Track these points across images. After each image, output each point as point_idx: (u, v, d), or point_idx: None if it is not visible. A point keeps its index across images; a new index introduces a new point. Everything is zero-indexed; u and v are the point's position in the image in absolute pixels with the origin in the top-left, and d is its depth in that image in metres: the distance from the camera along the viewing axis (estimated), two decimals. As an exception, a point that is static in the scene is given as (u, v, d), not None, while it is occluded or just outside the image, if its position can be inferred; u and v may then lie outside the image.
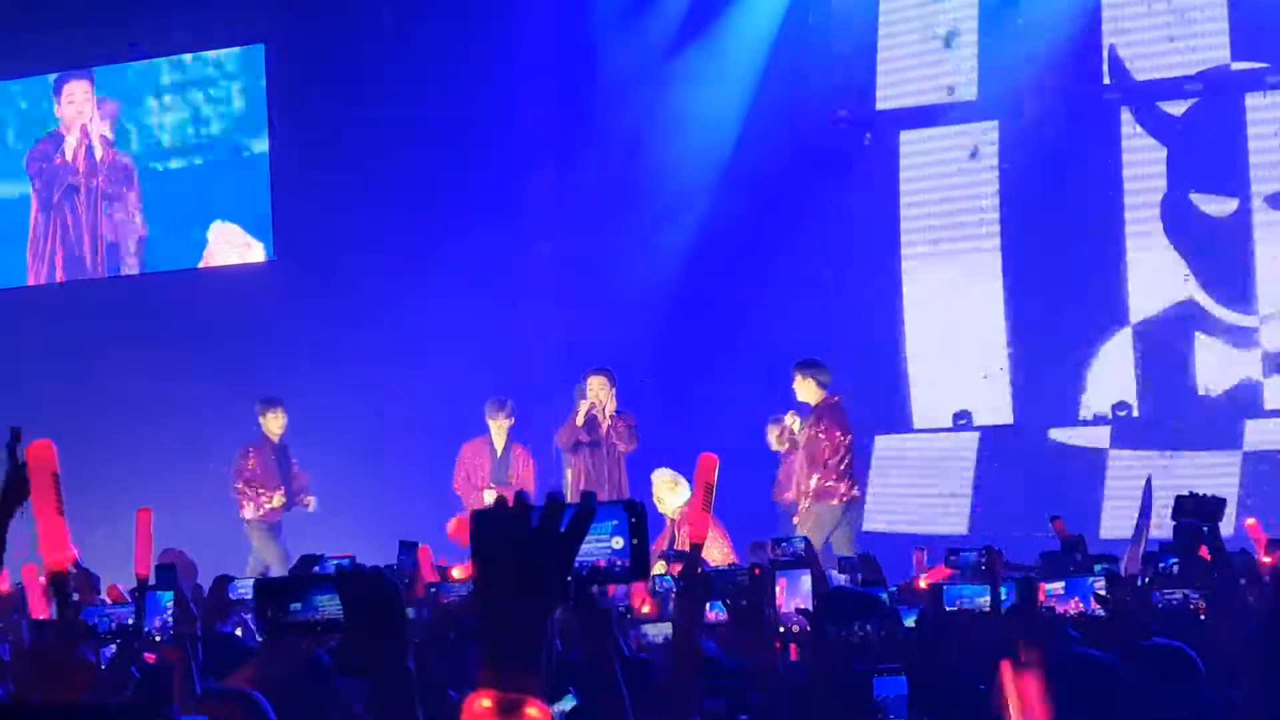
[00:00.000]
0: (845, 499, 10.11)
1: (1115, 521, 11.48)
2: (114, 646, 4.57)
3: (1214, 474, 11.24)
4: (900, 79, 12.93)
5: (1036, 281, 12.32)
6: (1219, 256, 11.80)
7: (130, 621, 4.72)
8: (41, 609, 5.55)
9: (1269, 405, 11.64)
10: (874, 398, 12.84)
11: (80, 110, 14.98)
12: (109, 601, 5.74)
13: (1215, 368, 11.76)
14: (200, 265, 14.57)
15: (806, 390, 10.26)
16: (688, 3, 13.28)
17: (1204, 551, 5.21)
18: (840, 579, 6.55)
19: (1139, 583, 5.28)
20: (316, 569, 5.46)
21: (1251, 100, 11.70)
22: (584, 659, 3.31)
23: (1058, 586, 4.13)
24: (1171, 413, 11.84)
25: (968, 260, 12.62)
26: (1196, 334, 11.81)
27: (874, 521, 12.38)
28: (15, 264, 15.13)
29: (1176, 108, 11.94)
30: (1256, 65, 11.67)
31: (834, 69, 13.06)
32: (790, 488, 10.54)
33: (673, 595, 6.26)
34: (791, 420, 10.50)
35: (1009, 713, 3.12)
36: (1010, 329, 12.40)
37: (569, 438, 11.00)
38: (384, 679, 2.17)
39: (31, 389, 13.28)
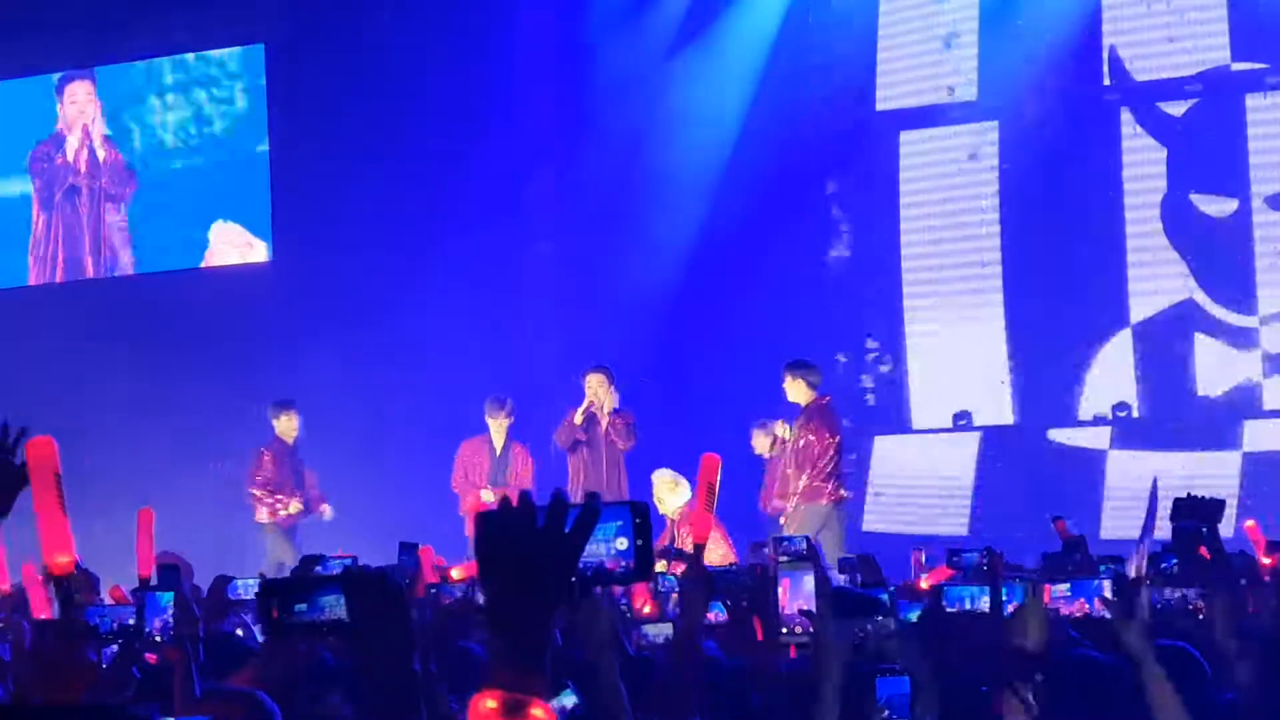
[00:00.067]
0: (833, 499, 10.11)
1: (1115, 522, 11.49)
2: (115, 647, 4.58)
3: (1214, 475, 11.25)
4: (900, 79, 12.93)
5: (1036, 282, 12.32)
6: (1219, 256, 11.80)
7: (131, 622, 4.72)
8: (43, 609, 5.55)
9: (1269, 406, 11.65)
10: (874, 398, 12.86)
11: (82, 110, 14.98)
12: (111, 601, 5.73)
13: (1215, 368, 11.76)
14: (202, 265, 14.58)
15: (796, 391, 10.26)
16: (688, 3, 13.29)
17: (1203, 551, 5.21)
18: (840, 579, 6.55)
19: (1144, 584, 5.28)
20: (319, 569, 5.46)
21: (1252, 101, 11.70)
22: (585, 659, 3.32)
23: (1063, 588, 4.13)
24: (1171, 413, 11.85)
25: (968, 260, 12.62)
26: (1196, 334, 11.81)
27: (874, 522, 12.39)
28: (16, 264, 15.14)
29: (1176, 108, 11.95)
30: (1257, 66, 11.67)
31: (834, 69, 13.06)
32: (776, 494, 10.51)
33: (673, 595, 6.28)
34: (782, 430, 10.47)
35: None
36: (1010, 329, 12.40)
37: (567, 436, 11.00)
38: (389, 680, 2.17)
39: (32, 389, 13.27)
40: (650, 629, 5.11)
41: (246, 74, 14.50)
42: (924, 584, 6.35)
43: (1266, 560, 6.04)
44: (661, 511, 10.36)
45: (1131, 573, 5.42)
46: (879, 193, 12.94)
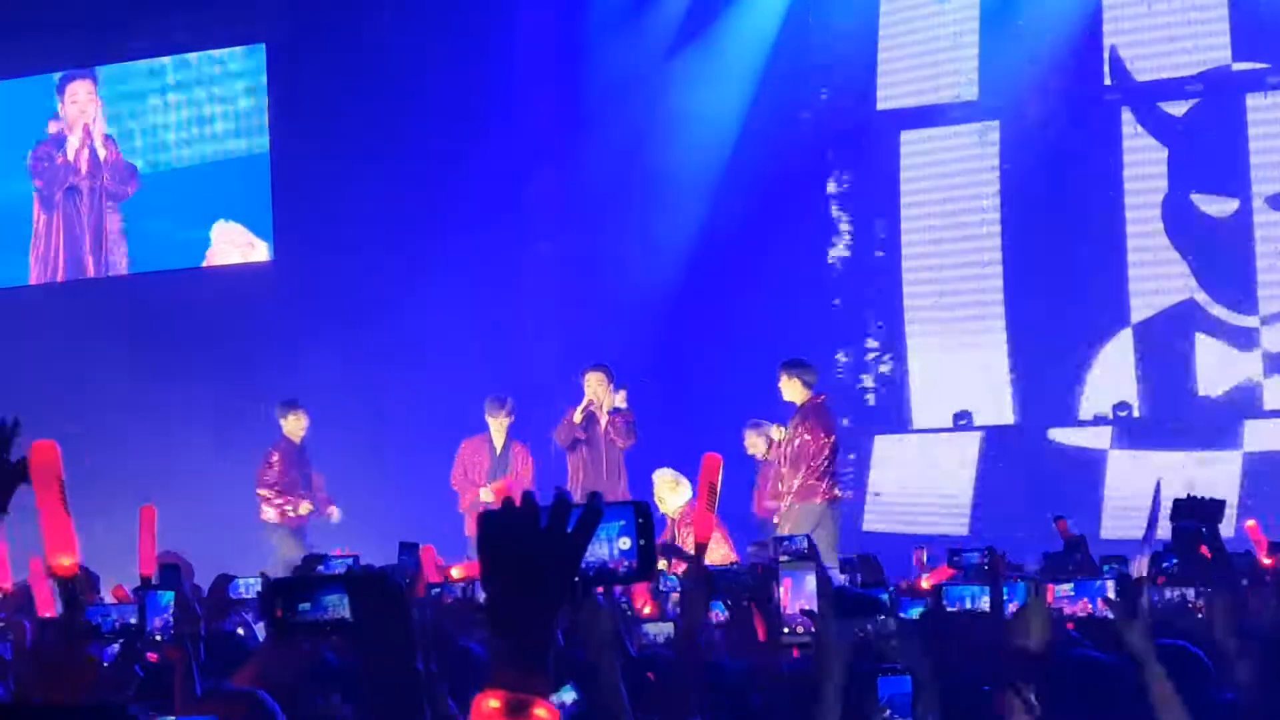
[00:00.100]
0: (827, 498, 10.11)
1: (1115, 522, 11.50)
2: (117, 646, 4.58)
3: (1214, 475, 11.25)
4: (901, 79, 12.93)
5: (1037, 282, 12.32)
6: (1219, 256, 11.80)
7: (133, 621, 4.72)
8: (48, 605, 5.55)
9: (1269, 406, 11.65)
10: (874, 398, 12.86)
11: (83, 110, 14.98)
12: (114, 601, 5.74)
13: (1215, 368, 11.76)
14: (203, 265, 14.59)
15: (792, 390, 10.25)
16: (687, 3, 13.29)
17: (1204, 550, 5.22)
18: (840, 579, 6.55)
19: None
20: (321, 568, 5.46)
21: (1252, 101, 11.71)
22: (586, 658, 3.32)
23: (1067, 588, 4.14)
24: (1171, 413, 11.85)
25: (968, 260, 12.62)
26: (1196, 334, 11.82)
27: (874, 522, 12.40)
28: (17, 264, 15.14)
29: (1177, 108, 11.95)
30: (1257, 66, 11.68)
31: (834, 69, 13.08)
32: (769, 496, 10.50)
33: (673, 595, 6.28)
34: (777, 434, 10.47)
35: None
36: (1010, 329, 12.40)
37: (567, 435, 11.00)
38: (392, 679, 2.17)
39: (32, 388, 13.28)
40: (651, 628, 5.12)
41: (247, 74, 14.50)
42: (925, 584, 6.35)
43: (1267, 561, 6.04)
44: (662, 511, 10.36)
45: (1135, 573, 5.44)
46: (879, 193, 12.94)
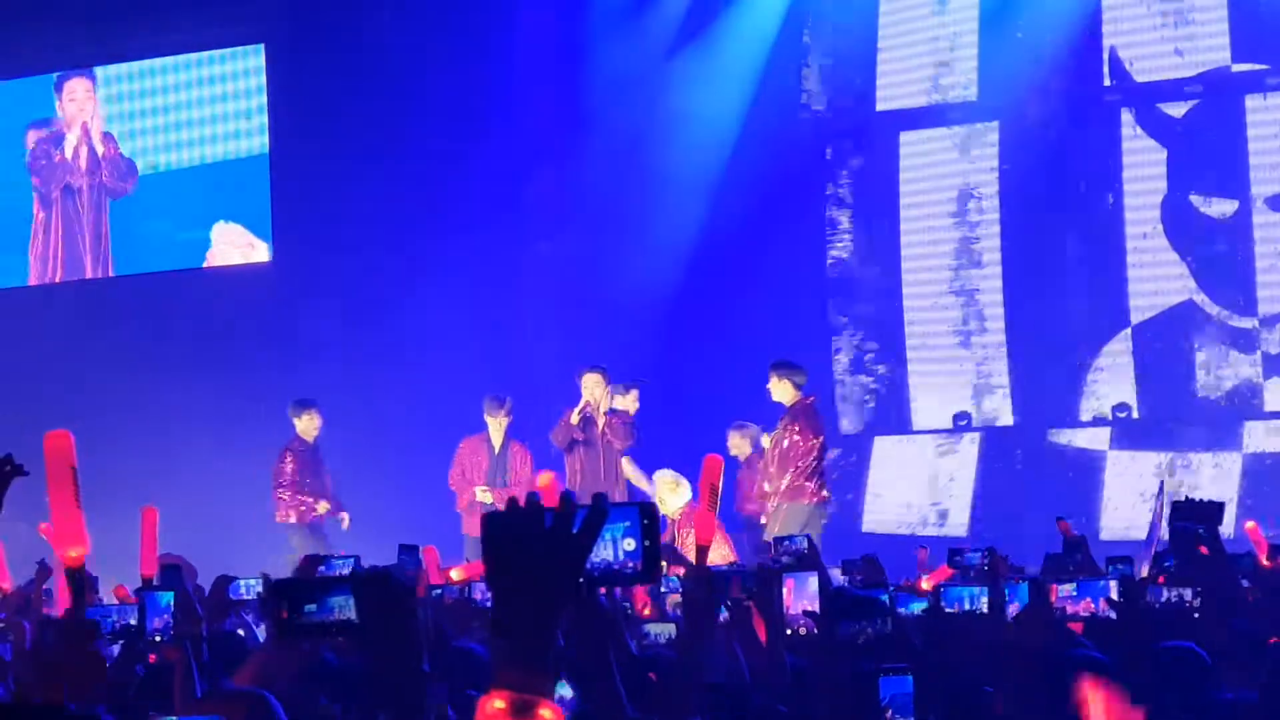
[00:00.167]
0: (815, 500, 10.11)
1: (1115, 522, 11.50)
2: (118, 646, 4.59)
3: (1213, 476, 11.25)
4: (900, 79, 12.93)
5: (1036, 282, 12.33)
6: (1219, 257, 11.81)
7: (132, 621, 4.73)
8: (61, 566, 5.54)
9: (1269, 407, 11.65)
10: (874, 398, 12.87)
11: (81, 108, 14.97)
12: (116, 601, 5.74)
13: (1215, 369, 11.77)
14: (204, 265, 14.60)
15: (782, 391, 10.26)
16: (687, 3, 13.29)
17: (1203, 549, 5.23)
18: (841, 580, 6.55)
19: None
20: (322, 569, 5.46)
21: (1251, 102, 11.71)
22: (584, 658, 3.32)
23: (1070, 588, 4.14)
24: (1171, 414, 11.85)
25: (968, 261, 12.63)
26: (1196, 335, 11.82)
27: (874, 522, 12.41)
28: (17, 263, 15.14)
29: (1177, 109, 11.95)
30: (1257, 67, 11.68)
31: (834, 69, 13.08)
32: (752, 497, 10.50)
33: (671, 596, 6.28)
34: (766, 441, 10.46)
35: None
36: (1010, 330, 12.40)
37: (564, 436, 11.01)
38: (398, 680, 2.17)
39: (32, 388, 13.29)
40: (653, 628, 5.12)
41: (246, 74, 14.50)
42: (925, 584, 6.35)
43: (1267, 563, 6.04)
44: (662, 512, 10.36)
45: (1138, 573, 5.45)
46: (878, 193, 12.95)
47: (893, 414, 12.84)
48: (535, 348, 12.61)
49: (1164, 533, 5.46)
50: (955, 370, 12.65)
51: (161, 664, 4.51)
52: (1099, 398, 12.12)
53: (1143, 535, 7.47)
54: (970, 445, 12.51)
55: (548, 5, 13.19)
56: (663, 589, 6.12)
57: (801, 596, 3.94)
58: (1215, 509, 5.30)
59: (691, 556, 7.55)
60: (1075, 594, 4.12)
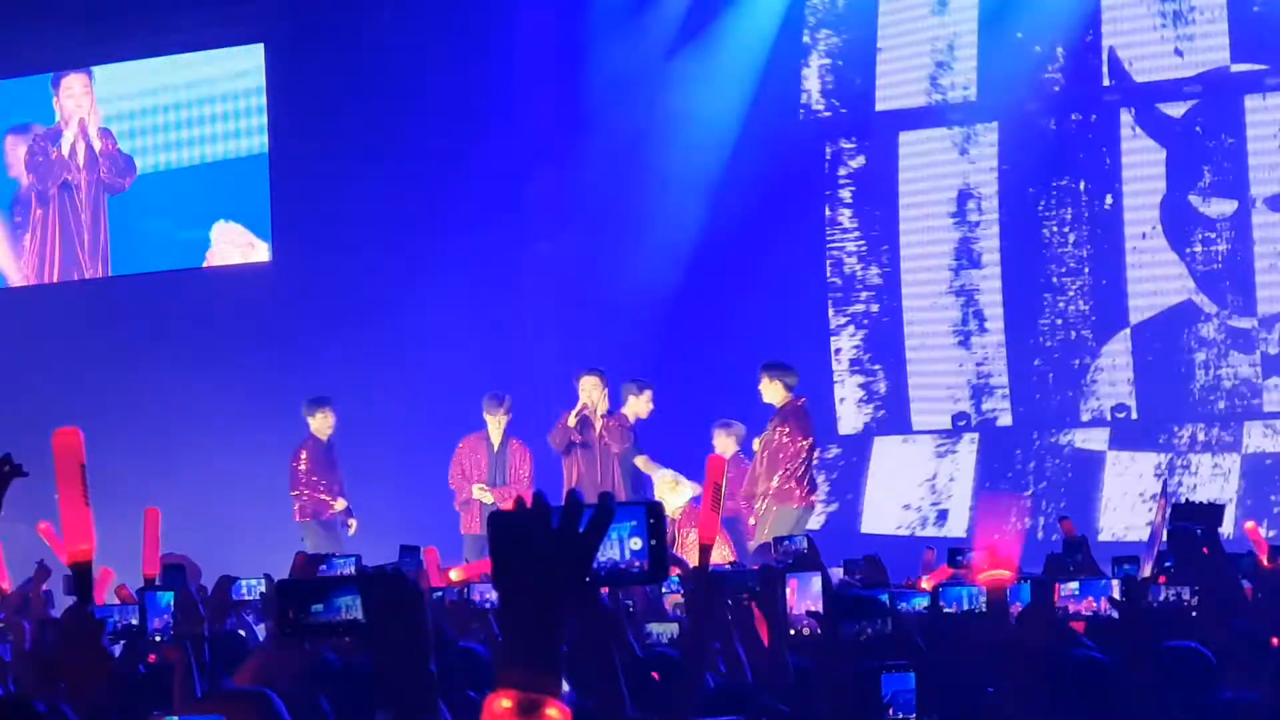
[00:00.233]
0: (804, 504, 10.11)
1: (1114, 523, 11.51)
2: (120, 645, 4.59)
3: (1213, 476, 11.26)
4: (900, 80, 12.93)
5: (1036, 282, 12.33)
6: (1219, 257, 11.81)
7: (134, 621, 4.73)
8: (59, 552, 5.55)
9: (1268, 407, 11.65)
10: (874, 398, 12.88)
11: (79, 104, 14.97)
12: (117, 601, 5.74)
13: (1215, 368, 11.77)
14: (204, 265, 14.60)
15: (772, 392, 10.27)
16: (687, 3, 13.30)
17: (1204, 549, 5.25)
18: (842, 580, 6.55)
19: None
20: (323, 568, 5.46)
21: (1251, 102, 11.71)
22: (587, 658, 3.32)
23: (1072, 587, 4.16)
24: (1171, 414, 11.86)
25: (967, 261, 12.63)
26: (1196, 334, 11.82)
27: (875, 523, 12.42)
28: (16, 263, 15.14)
29: (1176, 109, 11.95)
30: (1256, 67, 11.68)
31: (834, 70, 13.09)
32: (735, 495, 10.50)
33: (671, 597, 6.28)
34: (756, 444, 10.46)
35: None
36: (1010, 330, 12.41)
37: (561, 439, 11.01)
38: (406, 681, 2.17)
39: (31, 388, 13.29)
40: (656, 627, 5.13)
41: (246, 74, 14.49)
42: (925, 584, 6.35)
43: (1267, 564, 6.05)
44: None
45: (1142, 572, 5.47)
46: (878, 193, 12.95)
47: (892, 414, 12.85)
48: (535, 348, 12.61)
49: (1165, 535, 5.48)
50: (955, 370, 12.65)
51: (162, 664, 4.51)
52: (1099, 398, 12.12)
53: (1140, 536, 7.49)
54: (970, 445, 12.52)
55: (548, 5, 13.19)
56: (663, 590, 6.12)
57: (805, 597, 3.95)
58: (1215, 510, 5.32)
59: (691, 556, 7.57)
60: (1078, 593, 4.13)
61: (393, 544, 7.17)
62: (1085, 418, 12.19)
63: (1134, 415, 12.00)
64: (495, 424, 11.23)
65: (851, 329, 13.06)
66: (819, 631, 3.86)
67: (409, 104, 13.24)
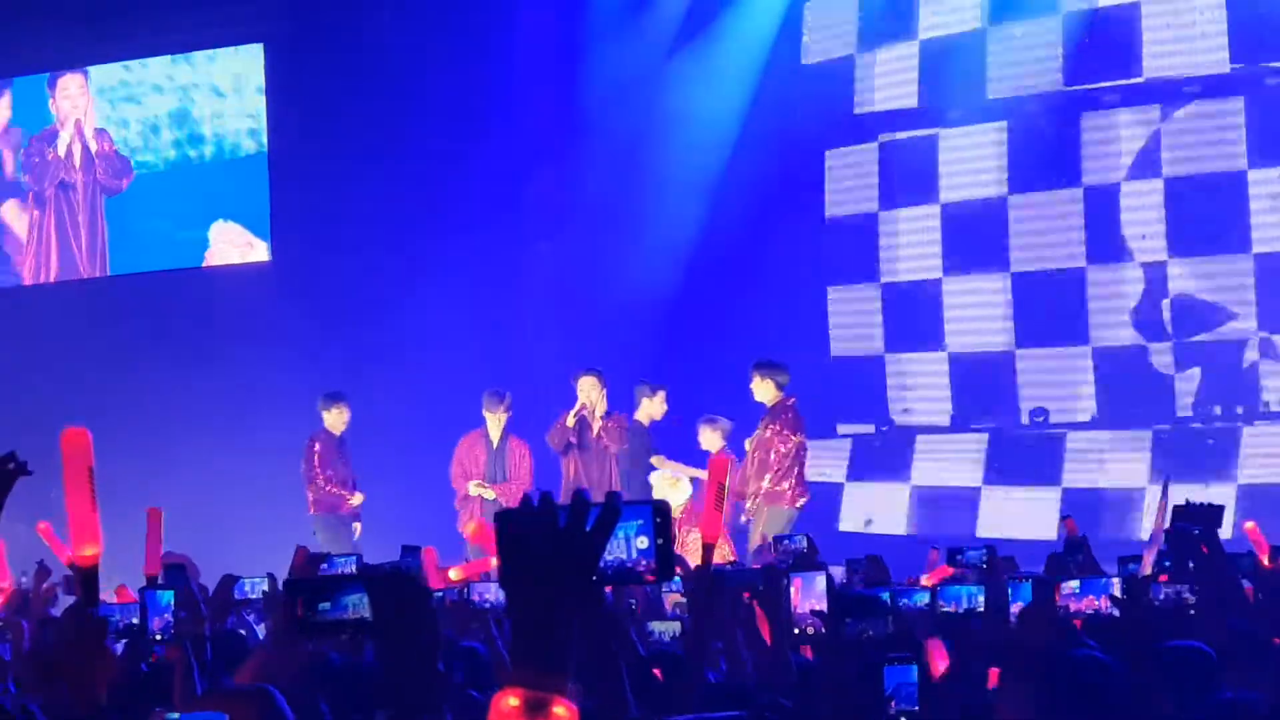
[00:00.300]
0: (794, 504, 10.12)
1: (1114, 522, 11.52)
2: (121, 645, 4.59)
3: (1213, 476, 11.26)
4: (900, 79, 12.94)
5: (1037, 282, 12.34)
6: (1219, 258, 11.81)
7: (135, 621, 4.73)
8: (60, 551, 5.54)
9: (1268, 409, 11.66)
10: (873, 399, 12.89)
11: (75, 104, 14.97)
12: (118, 601, 5.74)
13: (1214, 370, 11.78)
14: (203, 265, 14.60)
15: (764, 390, 10.28)
16: (687, 3, 13.31)
17: (1204, 548, 5.26)
18: (842, 579, 6.56)
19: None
20: (324, 567, 5.46)
21: (1250, 101, 11.71)
22: (588, 657, 3.33)
23: (1073, 585, 4.17)
24: (1171, 415, 11.87)
25: (969, 261, 12.64)
26: (1196, 335, 11.83)
27: (878, 524, 12.44)
28: (14, 263, 15.14)
29: (1176, 108, 11.96)
30: (1256, 67, 11.69)
31: (833, 71, 13.10)
32: (733, 491, 10.50)
33: (670, 596, 6.29)
34: (748, 444, 10.48)
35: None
36: (1015, 330, 12.42)
37: (560, 439, 11.02)
38: (413, 679, 2.17)
39: (31, 388, 13.29)
40: (658, 626, 5.13)
41: (246, 74, 14.50)
42: (925, 583, 6.36)
43: (1267, 564, 6.06)
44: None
45: (1143, 571, 5.48)
46: (879, 193, 12.96)
47: (894, 414, 12.86)
48: (535, 348, 12.61)
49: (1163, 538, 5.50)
50: (956, 370, 12.66)
51: (162, 663, 4.51)
52: (1100, 398, 12.14)
53: (1135, 537, 7.49)
54: (973, 445, 12.52)
55: (547, 5, 13.20)
56: (663, 589, 6.12)
57: (809, 596, 3.95)
58: (1215, 511, 5.33)
59: (692, 556, 7.58)
60: (1078, 591, 4.14)
61: (393, 544, 7.16)
62: (1085, 418, 12.20)
63: (1134, 415, 12.01)
64: (495, 421, 11.23)
65: (851, 329, 13.07)
66: (823, 630, 3.87)
67: (409, 104, 13.24)
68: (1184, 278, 11.89)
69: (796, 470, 10.13)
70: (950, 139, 12.73)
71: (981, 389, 12.55)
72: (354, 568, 5.86)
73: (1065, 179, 12.26)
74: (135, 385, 13.26)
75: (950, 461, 12.53)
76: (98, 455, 3.36)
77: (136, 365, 13.39)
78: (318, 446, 11.25)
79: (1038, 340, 12.36)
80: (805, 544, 6.60)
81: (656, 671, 3.66)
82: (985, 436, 12.49)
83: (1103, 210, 12.11)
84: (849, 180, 13.16)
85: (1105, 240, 12.11)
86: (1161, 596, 4.88)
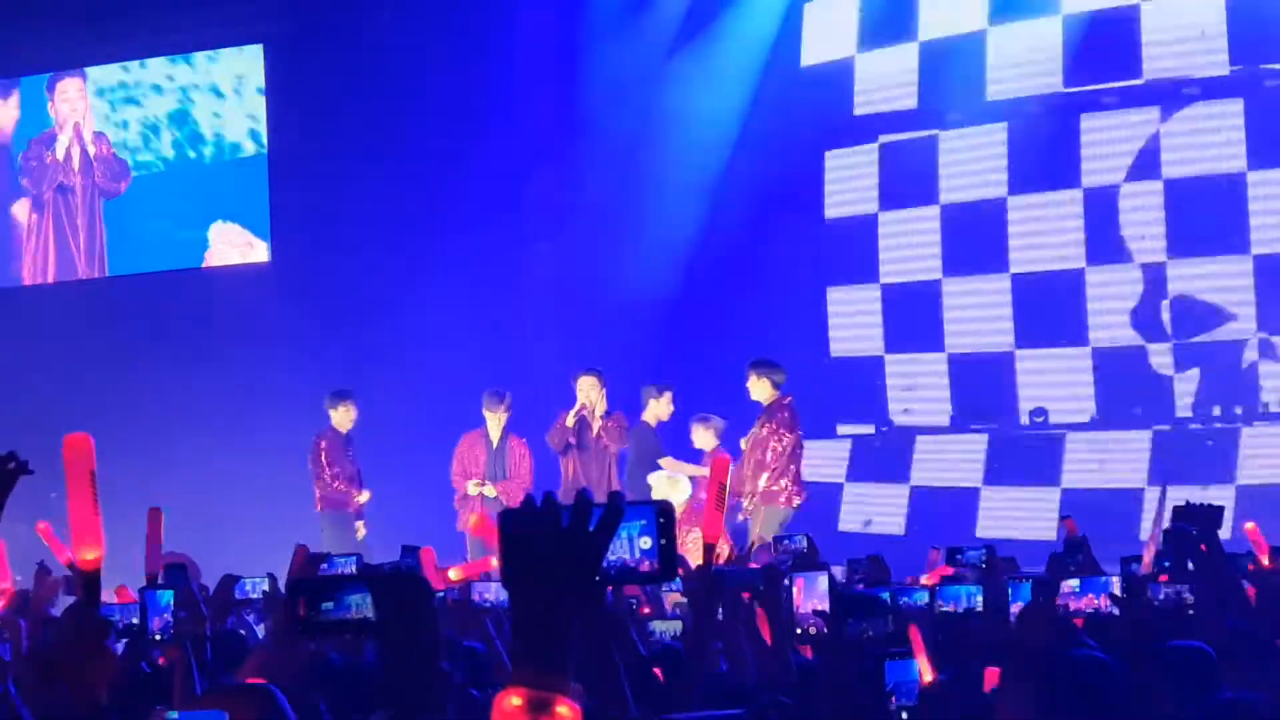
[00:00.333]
0: (790, 505, 10.12)
1: (1113, 524, 11.51)
2: (122, 645, 4.59)
3: (1212, 476, 11.26)
4: (900, 80, 12.95)
5: (1039, 283, 12.35)
6: (1219, 260, 11.82)
7: (134, 621, 4.73)
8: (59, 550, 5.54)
9: (1268, 410, 11.66)
10: (873, 399, 12.89)
11: (74, 107, 14.97)
12: (118, 602, 5.74)
13: (1214, 371, 11.78)
14: (202, 265, 14.61)
15: (760, 389, 10.29)
16: (687, 3, 13.31)
17: (1203, 548, 5.26)
18: (841, 579, 6.56)
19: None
20: (324, 567, 5.46)
21: (1250, 103, 11.72)
22: (588, 657, 3.33)
23: (1073, 584, 4.18)
24: (1171, 415, 11.87)
25: (971, 262, 12.65)
26: (1195, 336, 11.84)
27: (877, 524, 12.44)
28: (13, 264, 15.14)
29: (1176, 109, 11.96)
30: (1255, 68, 11.69)
31: (832, 72, 13.11)
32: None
33: (670, 595, 6.29)
34: (744, 444, 10.49)
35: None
36: (1016, 331, 12.43)
37: (559, 439, 11.02)
38: (416, 679, 2.17)
39: (31, 389, 13.29)
40: (660, 625, 5.14)
41: (246, 74, 14.50)
42: (925, 582, 6.36)
43: (1267, 563, 6.06)
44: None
45: (1142, 570, 5.48)
46: (879, 194, 12.97)
47: (895, 414, 12.86)
48: (535, 348, 12.62)
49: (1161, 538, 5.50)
50: (956, 370, 12.67)
51: (162, 667, 4.52)
52: (1101, 398, 12.14)
53: (1139, 537, 7.48)
54: (973, 445, 12.53)
55: (547, 6, 13.21)
56: (662, 588, 6.13)
57: (812, 596, 3.96)
58: (1215, 512, 5.34)
59: (691, 555, 7.57)
60: (1078, 590, 4.15)
61: (393, 543, 7.16)
62: (1085, 419, 12.21)
63: (1134, 415, 12.02)
64: (495, 421, 11.24)
65: (851, 330, 13.07)
66: (825, 630, 3.87)
67: (409, 104, 13.25)
68: (1184, 278, 11.90)
69: (793, 469, 10.13)
70: (949, 140, 12.74)
71: (982, 389, 12.55)
72: (354, 568, 5.86)
73: (1065, 180, 12.26)
74: (135, 385, 13.26)
75: (958, 461, 12.51)
76: (98, 456, 3.36)
77: (136, 365, 13.39)
78: (324, 444, 11.26)
79: (1038, 340, 12.37)
80: (805, 544, 6.59)
81: (657, 671, 3.67)
82: (985, 437, 12.50)
83: (1102, 212, 12.12)
84: (848, 181, 13.16)
85: (1104, 241, 12.12)
86: (1161, 596, 4.89)
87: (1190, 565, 5.10)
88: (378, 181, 13.24)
